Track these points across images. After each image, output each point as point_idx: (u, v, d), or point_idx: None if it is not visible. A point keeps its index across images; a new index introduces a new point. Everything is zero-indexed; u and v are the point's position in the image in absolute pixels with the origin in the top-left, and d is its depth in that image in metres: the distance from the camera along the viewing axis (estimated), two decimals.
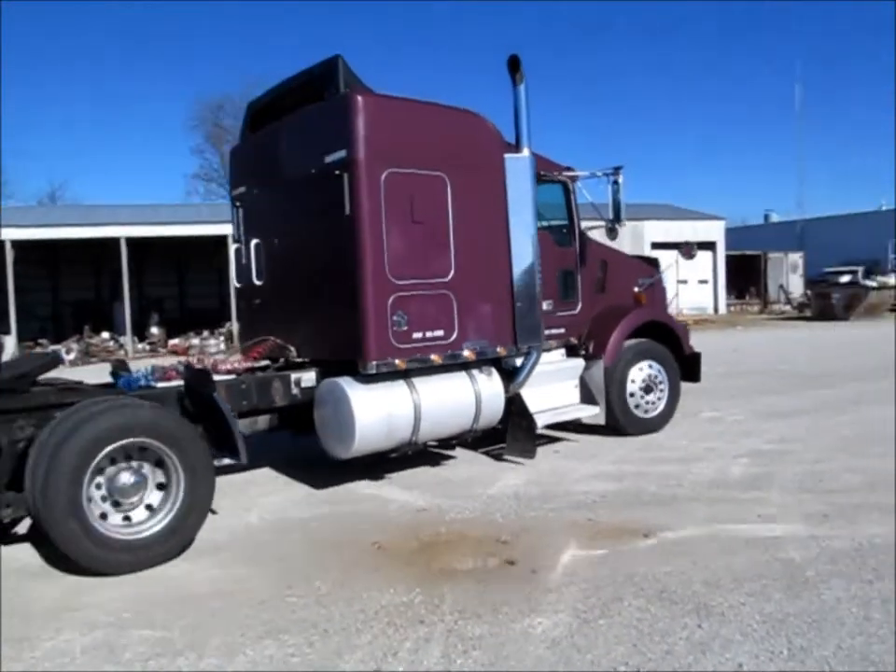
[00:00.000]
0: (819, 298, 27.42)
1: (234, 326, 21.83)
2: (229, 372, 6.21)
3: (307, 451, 7.02)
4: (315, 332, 6.53)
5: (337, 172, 5.91)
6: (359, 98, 5.92)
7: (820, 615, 3.66)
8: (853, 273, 37.22)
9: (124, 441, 4.74)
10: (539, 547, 4.86)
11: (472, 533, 5.18)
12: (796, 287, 34.87)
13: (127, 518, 4.84)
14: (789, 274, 35.24)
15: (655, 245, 30.75)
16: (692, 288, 31.79)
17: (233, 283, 7.95)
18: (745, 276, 34.72)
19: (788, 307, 32.28)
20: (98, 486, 4.72)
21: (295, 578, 4.46)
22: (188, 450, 4.96)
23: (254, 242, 7.02)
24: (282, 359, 6.64)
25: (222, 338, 22.96)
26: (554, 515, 5.48)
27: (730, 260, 33.20)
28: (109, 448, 4.68)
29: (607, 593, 4.03)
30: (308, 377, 6.28)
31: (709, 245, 32.45)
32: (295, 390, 6.19)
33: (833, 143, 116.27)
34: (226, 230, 25.09)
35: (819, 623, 3.58)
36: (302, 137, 6.48)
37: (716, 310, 32.11)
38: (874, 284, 26.30)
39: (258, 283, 7.01)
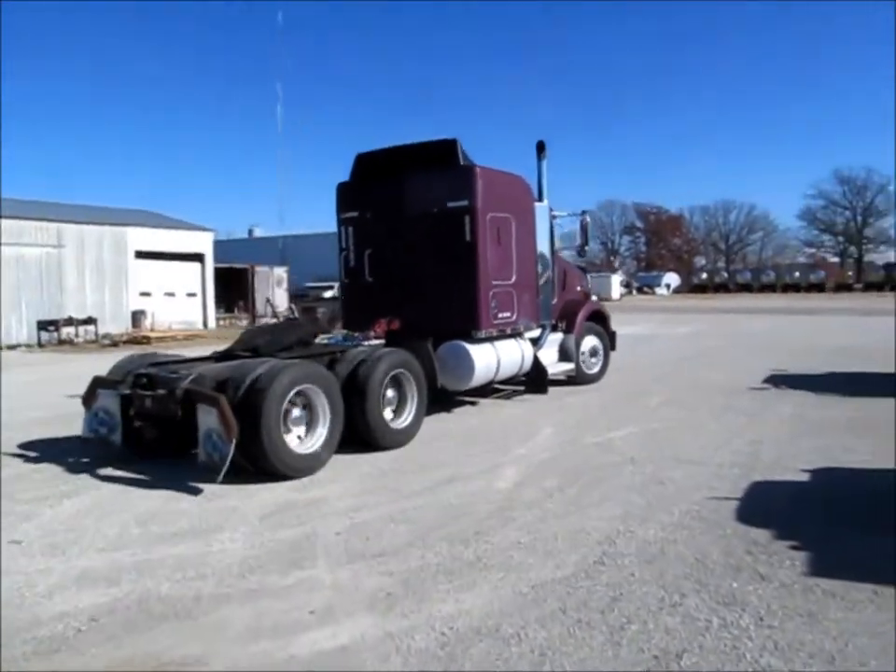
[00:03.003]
0: (306, 312, 28.15)
1: None
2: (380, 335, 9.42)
3: None
4: (433, 312, 9.53)
5: (459, 213, 9.41)
6: (478, 169, 9.42)
7: None
8: (332, 287, 39.72)
9: (396, 371, 8.12)
10: None
11: None
12: (281, 300, 35.60)
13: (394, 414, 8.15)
14: (275, 288, 35.84)
15: (140, 255, 28.23)
16: (180, 302, 30.02)
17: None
18: (233, 290, 34.22)
19: (275, 320, 32.69)
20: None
21: None
22: (420, 377, 8.47)
23: (368, 251, 10.27)
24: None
25: None
26: None
27: (218, 273, 32.32)
28: (393, 373, 8.04)
29: None
30: (428, 341, 9.27)
31: (197, 257, 31.12)
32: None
33: (313, 162, 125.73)
34: None
35: None
36: (429, 188, 9.69)
37: (205, 324, 30.84)
38: None
39: (369, 279, 10.27)
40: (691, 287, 79.37)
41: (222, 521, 5.46)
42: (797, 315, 32.54)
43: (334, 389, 7.23)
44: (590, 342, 12.31)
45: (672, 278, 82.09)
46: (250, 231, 60.92)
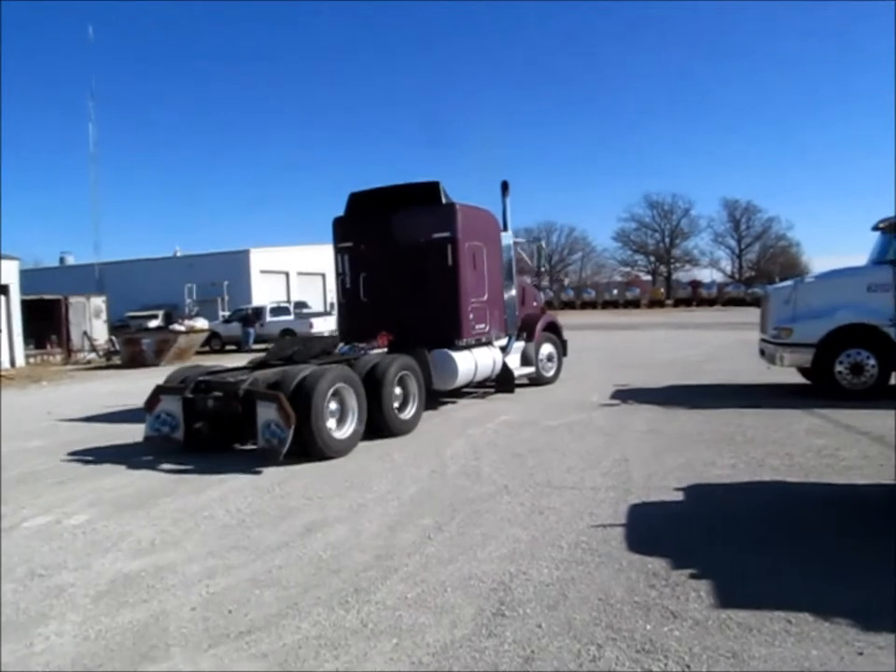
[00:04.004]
0: (129, 344, 26.03)
1: None
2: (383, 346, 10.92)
3: None
4: (421, 325, 11.15)
5: (443, 243, 11.31)
6: (458, 206, 11.41)
7: None
8: (156, 316, 37.20)
9: (402, 373, 9.91)
10: None
11: None
12: (100, 333, 32.81)
13: (400, 408, 9.89)
14: (92, 320, 32.94)
15: None
16: None
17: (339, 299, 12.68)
18: (44, 323, 31.08)
19: (94, 355, 29.99)
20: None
21: None
22: (420, 378, 10.33)
23: (362, 275, 12.04)
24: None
25: None
26: None
27: (26, 306, 29.25)
28: (400, 374, 9.85)
29: None
30: (425, 349, 11.04)
31: (2, 289, 28.01)
32: None
33: (129, 187, 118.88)
34: None
35: None
36: (416, 222, 11.42)
37: (12, 363, 27.72)
38: (183, 328, 26.22)
39: (364, 299, 11.96)
40: None
41: (45, 608, 4.47)
42: (621, 330, 34.29)
43: (360, 388, 9.00)
44: (547, 349, 14.35)
45: None
46: (62, 259, 56.18)
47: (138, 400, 9.39)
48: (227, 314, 36.00)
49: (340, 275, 12.34)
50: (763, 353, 12.38)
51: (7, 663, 3.78)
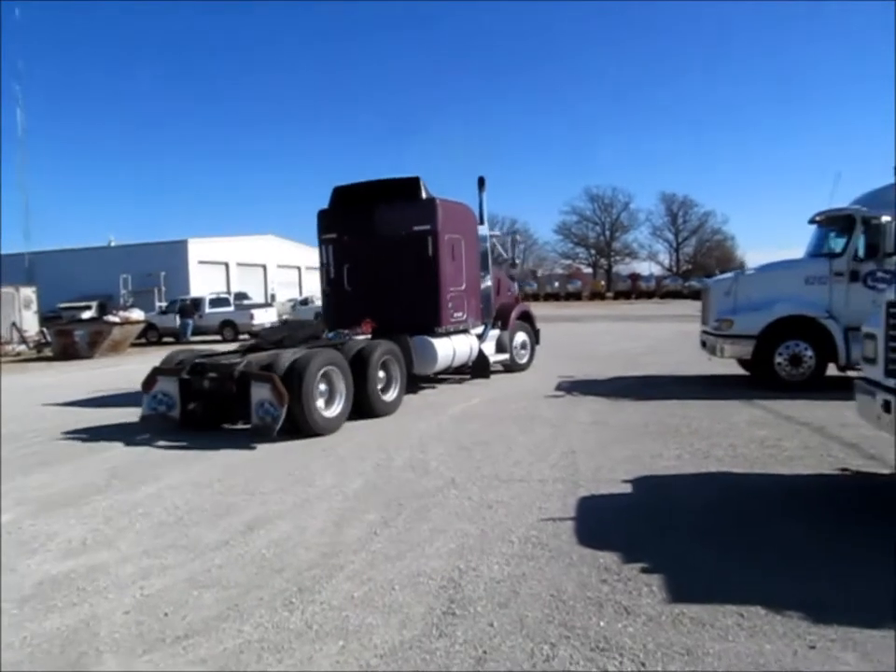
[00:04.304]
0: (61, 336, 25.10)
1: None
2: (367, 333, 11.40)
3: None
4: (402, 313, 11.82)
5: (423, 235, 11.83)
6: (438, 201, 11.91)
7: None
8: (90, 307, 35.98)
9: (385, 357, 10.44)
10: None
11: None
12: (31, 324, 31.54)
13: (383, 390, 10.42)
14: (22, 311, 31.62)
15: None
16: None
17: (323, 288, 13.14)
18: None
19: (24, 347, 28.83)
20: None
21: None
22: (402, 362, 10.89)
23: (346, 266, 12.53)
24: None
25: None
26: None
27: None
28: (384, 358, 10.39)
29: None
30: (406, 335, 11.62)
31: None
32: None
33: (59, 174, 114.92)
34: None
35: None
36: (398, 215, 12.01)
37: None
38: (117, 319, 25.39)
39: (348, 288, 12.48)
40: None
41: None
42: (563, 322, 34.48)
43: (347, 371, 9.56)
44: (520, 337, 15.06)
45: None
46: None
47: (74, 393, 9.04)
48: (164, 305, 35.06)
49: (324, 265, 12.86)
50: (704, 344, 12.54)
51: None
